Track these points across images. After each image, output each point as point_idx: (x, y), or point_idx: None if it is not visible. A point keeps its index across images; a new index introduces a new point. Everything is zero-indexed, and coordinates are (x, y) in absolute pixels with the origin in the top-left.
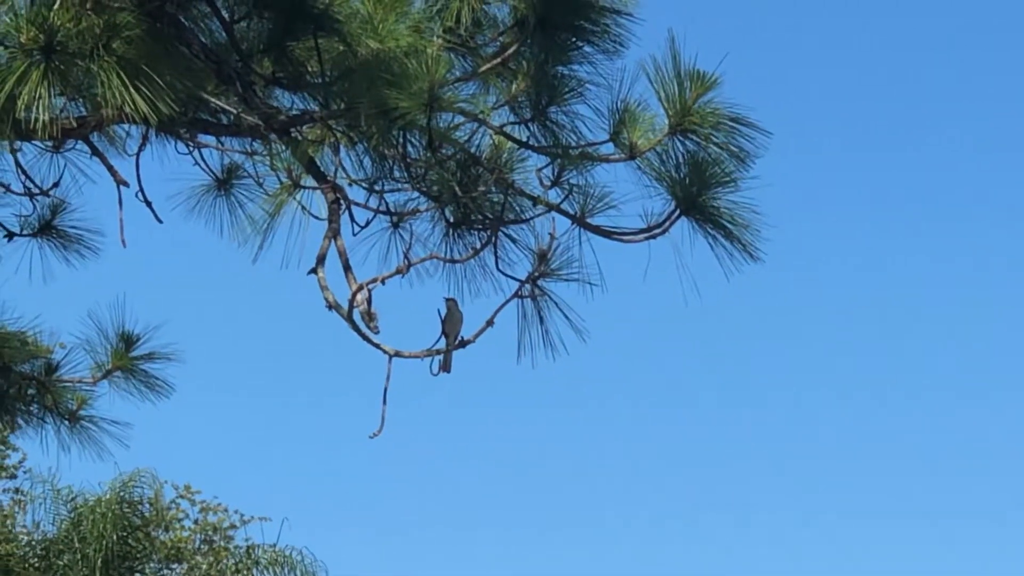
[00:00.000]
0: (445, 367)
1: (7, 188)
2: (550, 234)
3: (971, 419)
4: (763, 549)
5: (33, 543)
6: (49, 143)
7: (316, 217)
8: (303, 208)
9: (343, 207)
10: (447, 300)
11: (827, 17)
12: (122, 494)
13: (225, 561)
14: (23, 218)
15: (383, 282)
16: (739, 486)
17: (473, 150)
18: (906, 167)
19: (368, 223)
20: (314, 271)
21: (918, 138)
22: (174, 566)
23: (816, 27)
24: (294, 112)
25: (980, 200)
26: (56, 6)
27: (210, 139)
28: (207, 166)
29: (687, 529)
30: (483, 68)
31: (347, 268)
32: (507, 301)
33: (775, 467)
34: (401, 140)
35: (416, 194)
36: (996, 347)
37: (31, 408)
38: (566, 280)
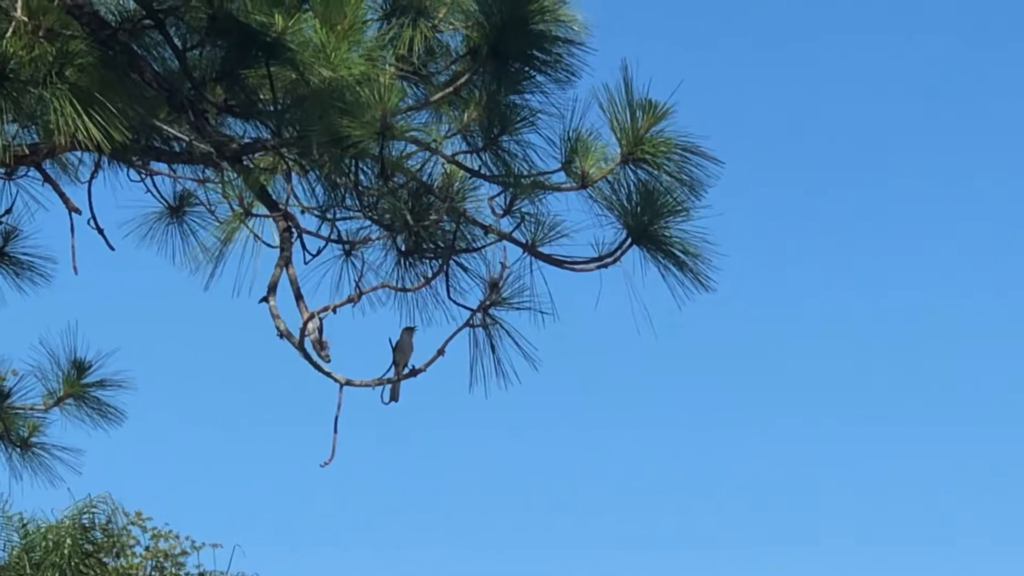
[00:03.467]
0: (394, 396)
1: None
2: (501, 263)
3: (914, 447)
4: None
5: None
6: (1, 170)
7: (268, 245)
8: (255, 236)
9: (295, 235)
10: (404, 329)
11: (778, 45)
12: (83, 520)
13: None
14: None
15: (334, 311)
16: (691, 512)
17: (425, 179)
18: (859, 195)
19: (320, 251)
20: (265, 299)
21: (870, 167)
22: None
23: (769, 56)
24: (246, 140)
25: (935, 225)
26: (9, 34)
27: (162, 167)
28: (159, 194)
29: (642, 557)
30: (435, 97)
31: (299, 296)
32: (458, 330)
33: (727, 494)
34: (353, 168)
35: (368, 222)
36: (949, 371)
37: None
38: (517, 309)
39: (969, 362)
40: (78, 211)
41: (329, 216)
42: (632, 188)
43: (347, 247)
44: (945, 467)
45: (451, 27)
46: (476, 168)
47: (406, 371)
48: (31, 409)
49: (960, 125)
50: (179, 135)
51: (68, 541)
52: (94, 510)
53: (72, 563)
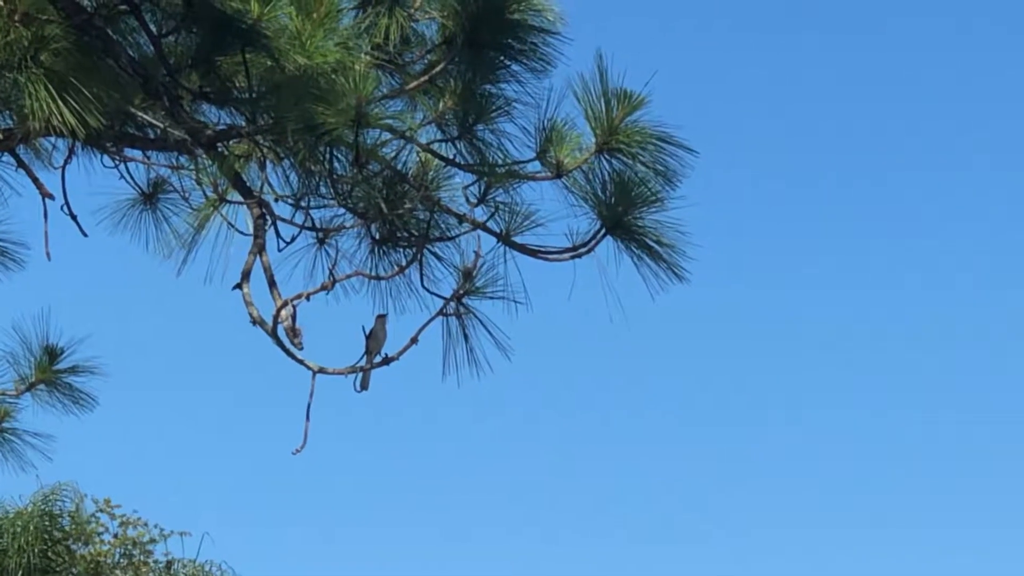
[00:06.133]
0: (364, 385)
1: None
2: (475, 252)
3: (898, 435)
4: (672, 567)
5: None
6: None
7: (241, 232)
8: (228, 223)
9: (269, 223)
10: (377, 317)
11: (753, 34)
12: (44, 507)
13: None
14: None
15: (308, 298)
16: (662, 502)
17: (400, 167)
18: (837, 184)
19: (293, 239)
20: (239, 286)
21: (847, 156)
22: None
23: (744, 45)
24: (221, 127)
25: (917, 215)
26: None
27: (136, 153)
28: (133, 180)
29: (612, 547)
30: (411, 85)
31: (272, 284)
32: (432, 319)
33: (700, 484)
34: (328, 156)
35: (342, 210)
36: (932, 361)
37: None
38: (491, 298)
39: (948, 353)
40: (51, 197)
41: (303, 204)
42: (607, 178)
43: (321, 235)
44: (931, 455)
45: (427, 16)
46: (451, 157)
47: (379, 359)
48: (2, 395)
49: (944, 114)
50: (154, 121)
51: (31, 527)
52: (57, 498)
53: (36, 550)
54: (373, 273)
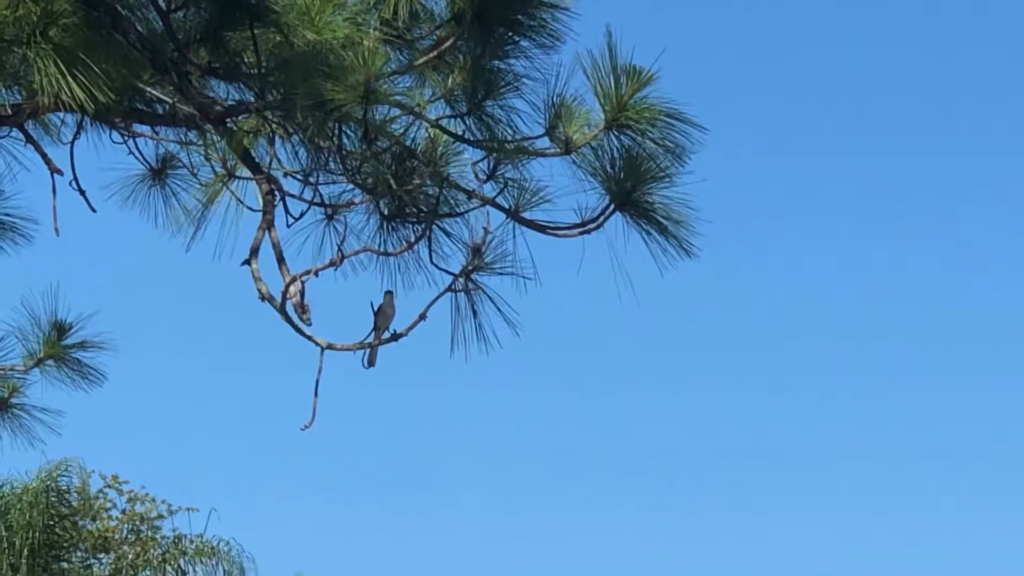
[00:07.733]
0: (371, 361)
1: None
2: (484, 228)
3: (887, 414)
4: (687, 546)
5: None
6: None
7: (250, 208)
8: (237, 199)
9: (278, 198)
10: (385, 293)
11: (765, 13)
12: (48, 483)
13: (152, 551)
14: None
15: (316, 274)
16: (667, 476)
17: (409, 143)
18: (843, 161)
19: (302, 215)
20: (247, 262)
21: (852, 134)
22: (101, 556)
23: (753, 23)
24: (230, 102)
25: (922, 192)
26: None
27: (145, 128)
28: (142, 156)
29: (617, 524)
30: (419, 61)
31: (281, 259)
32: (440, 295)
33: (705, 457)
34: (336, 132)
35: (351, 186)
36: (934, 342)
37: None
38: (500, 274)
39: (951, 331)
40: (60, 172)
41: (312, 180)
42: (616, 154)
43: (330, 211)
44: (920, 434)
45: None
46: (460, 133)
47: (387, 335)
48: (11, 370)
49: (955, 94)
50: (162, 97)
51: (37, 504)
52: (60, 473)
53: (45, 524)
54: (382, 249)
